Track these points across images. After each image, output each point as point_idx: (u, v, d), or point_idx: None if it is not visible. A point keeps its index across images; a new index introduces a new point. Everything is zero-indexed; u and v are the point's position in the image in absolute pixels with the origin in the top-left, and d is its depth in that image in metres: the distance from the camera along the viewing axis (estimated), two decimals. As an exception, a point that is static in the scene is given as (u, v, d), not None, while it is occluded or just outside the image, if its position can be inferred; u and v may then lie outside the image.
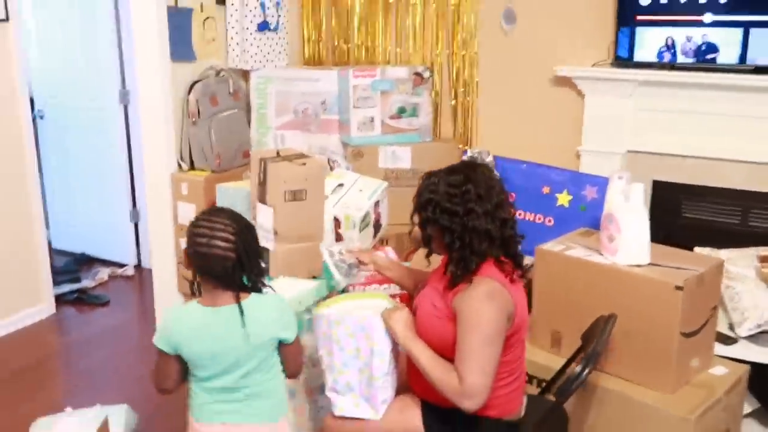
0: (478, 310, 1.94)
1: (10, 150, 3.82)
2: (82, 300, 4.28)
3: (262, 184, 2.58)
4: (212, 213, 1.95)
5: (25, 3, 4.65)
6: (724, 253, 2.96)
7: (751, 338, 2.81)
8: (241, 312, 1.87)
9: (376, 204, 2.98)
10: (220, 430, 1.97)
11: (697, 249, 2.93)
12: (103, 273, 4.60)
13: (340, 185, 2.99)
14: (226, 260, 1.84)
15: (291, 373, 2.06)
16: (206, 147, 3.30)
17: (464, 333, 1.94)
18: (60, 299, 4.23)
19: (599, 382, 2.42)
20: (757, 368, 2.67)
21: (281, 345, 1.97)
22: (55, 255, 4.88)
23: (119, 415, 2.84)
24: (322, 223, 2.66)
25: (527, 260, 2.25)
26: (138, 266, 4.75)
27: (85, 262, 4.81)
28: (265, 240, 2.64)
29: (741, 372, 2.51)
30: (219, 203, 2.99)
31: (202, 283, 1.94)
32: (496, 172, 2.12)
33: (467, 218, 1.98)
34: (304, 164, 2.58)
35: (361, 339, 2.12)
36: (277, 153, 2.68)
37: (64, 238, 5.02)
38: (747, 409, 2.69)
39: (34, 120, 4.81)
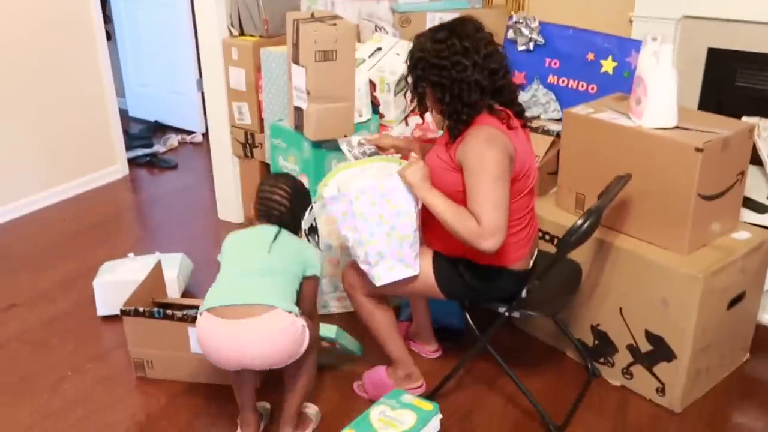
0: (481, 154, 2.02)
1: (80, 22, 4.02)
2: (153, 163, 4.58)
3: (296, 45, 2.67)
4: (281, 177, 2.32)
5: None
6: (772, 122, 2.88)
7: (787, 208, 2.76)
8: (277, 234, 2.17)
9: (413, 68, 3.01)
10: (207, 316, 2.06)
11: (744, 118, 2.85)
12: (174, 139, 4.87)
13: (378, 49, 3.04)
14: (275, 208, 2.21)
15: (305, 309, 2.16)
16: (254, 12, 3.38)
17: (472, 177, 2.02)
18: (133, 162, 4.54)
19: (614, 242, 2.47)
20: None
21: (303, 280, 2.17)
22: (131, 122, 5.21)
23: (174, 261, 3.12)
24: (353, 84, 2.73)
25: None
26: (206, 133, 4.98)
27: (158, 129, 5.10)
28: (299, 100, 2.76)
29: (765, 237, 2.50)
30: (263, 66, 3.11)
31: (258, 223, 2.25)
32: (485, 28, 2.12)
33: (455, 70, 2.04)
34: (335, 25, 2.63)
35: (384, 205, 2.16)
36: (312, 15, 2.74)
37: (140, 106, 5.32)
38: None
39: (106, -9, 5.02)
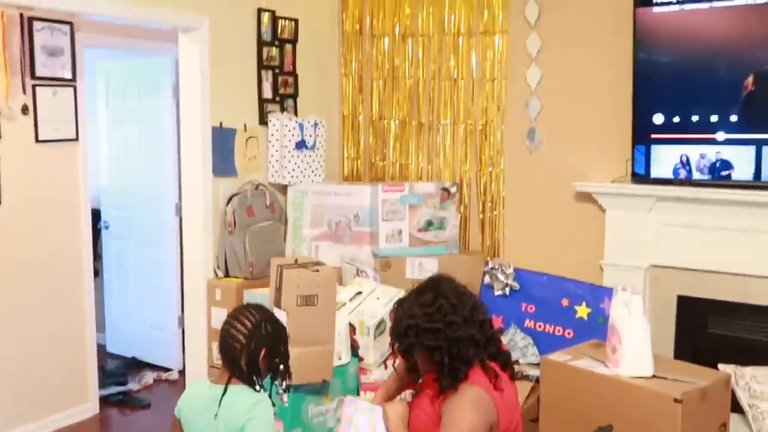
0: (461, 414, 2.00)
1: (70, 259, 4.13)
2: (125, 402, 4.44)
3: (278, 289, 2.74)
4: (253, 306, 2.18)
5: (101, 122, 5.14)
6: (748, 371, 2.91)
7: (776, 461, 2.70)
8: (223, 393, 2.03)
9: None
10: None
11: (720, 366, 2.88)
12: (149, 377, 4.78)
13: (359, 293, 3.12)
14: (232, 345, 2.06)
15: None
16: (240, 255, 3.50)
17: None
18: (105, 400, 4.40)
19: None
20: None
21: None
22: (108, 358, 5.13)
23: None
24: (333, 328, 2.77)
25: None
26: (183, 371, 4.91)
27: (134, 365, 5.02)
28: (278, 343, 2.77)
29: (756, 494, 2.42)
30: (245, 308, 3.15)
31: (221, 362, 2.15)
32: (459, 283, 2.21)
33: (449, 330, 2.06)
34: (317, 271, 2.73)
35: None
36: (295, 261, 2.84)
37: (118, 342, 5.27)
38: None
39: (99, 231, 5.21)
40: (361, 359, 3.00)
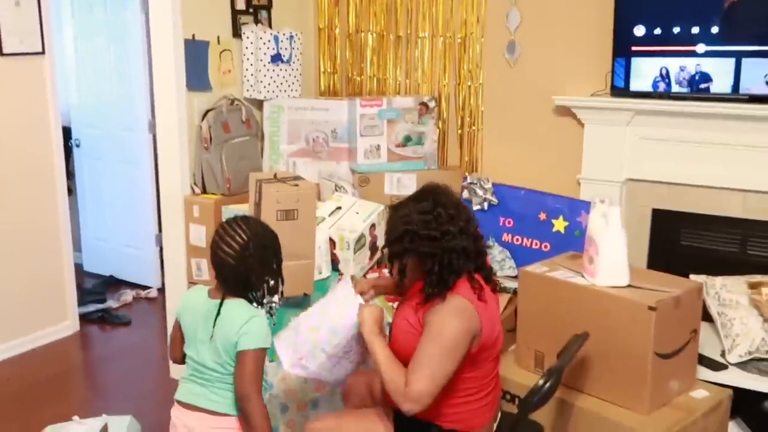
0: (443, 323, 2.03)
1: (42, 177, 4.07)
2: (105, 319, 4.48)
3: (258, 204, 2.72)
4: (243, 219, 2.10)
5: (66, 37, 4.97)
6: (719, 280, 2.98)
7: (741, 365, 2.81)
8: (218, 311, 2.02)
9: (372, 226, 3.09)
10: (186, 414, 2.10)
11: (692, 276, 2.95)
12: (128, 295, 4.80)
13: (338, 208, 3.12)
14: (224, 263, 2.03)
15: (237, 386, 2.02)
16: (217, 171, 3.46)
17: (424, 342, 2.03)
18: (85, 318, 4.43)
19: (575, 402, 2.46)
20: (746, 395, 2.67)
21: (237, 355, 2.01)
22: (86, 277, 5.13)
23: (121, 425, 2.97)
24: (313, 243, 2.77)
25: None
26: (162, 289, 4.93)
27: (112, 284, 5.03)
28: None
29: (723, 396, 2.52)
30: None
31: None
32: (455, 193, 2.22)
33: (445, 240, 2.08)
34: (297, 185, 2.71)
35: (336, 311, 2.22)
36: (274, 175, 2.82)
37: (95, 261, 5.26)
38: (734, 435, 2.69)
39: (70, 148, 5.11)
40: (341, 274, 3.02)
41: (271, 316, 2.15)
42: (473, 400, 2.14)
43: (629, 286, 2.47)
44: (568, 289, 2.53)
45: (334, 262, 3.02)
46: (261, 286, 2.09)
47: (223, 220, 2.16)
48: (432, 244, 2.08)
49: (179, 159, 3.49)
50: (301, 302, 2.86)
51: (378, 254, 3.20)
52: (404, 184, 3.65)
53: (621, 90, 3.28)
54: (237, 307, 2.06)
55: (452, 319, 2.03)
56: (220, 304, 2.05)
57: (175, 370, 3.74)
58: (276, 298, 2.14)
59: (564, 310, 2.54)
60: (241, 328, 2.01)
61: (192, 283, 3.56)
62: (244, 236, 2.04)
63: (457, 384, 2.11)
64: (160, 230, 4.88)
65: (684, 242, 3.36)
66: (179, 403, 2.16)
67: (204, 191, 3.54)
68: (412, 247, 2.11)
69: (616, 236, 2.46)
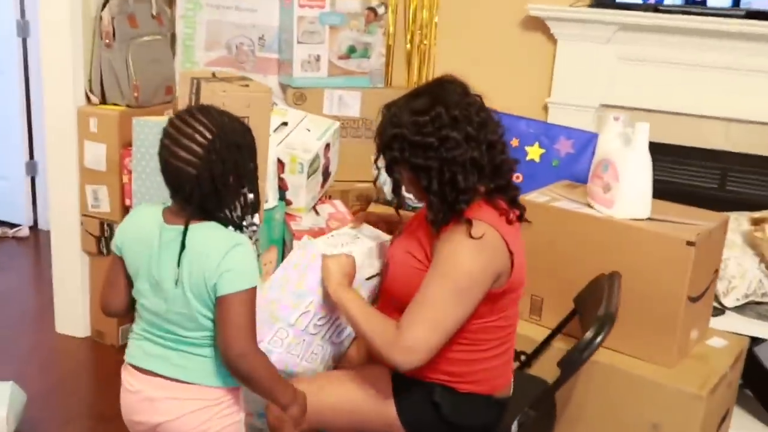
0: (457, 257, 1.57)
1: None
2: (-36, 263, 3.66)
3: (194, 110, 2.10)
4: (201, 110, 1.50)
5: None
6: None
7: (738, 309, 2.55)
8: (183, 242, 1.45)
9: (327, 147, 2.55)
10: (144, 382, 1.55)
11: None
12: (-8, 234, 3.98)
13: (284, 124, 2.54)
14: (182, 174, 1.45)
15: (224, 345, 1.46)
16: (122, 76, 2.77)
17: (430, 278, 1.58)
18: (-62, 261, 3.60)
19: (590, 354, 2.07)
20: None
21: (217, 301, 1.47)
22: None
23: (2, 394, 2.33)
24: (266, 161, 2.20)
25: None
26: (34, 227, 4.14)
27: (-29, 221, 4.17)
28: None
29: (742, 345, 2.23)
30: (136, 140, 2.48)
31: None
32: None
33: (444, 149, 1.58)
34: (247, 86, 2.12)
35: (298, 275, 1.76)
36: (213, 74, 2.20)
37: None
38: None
39: None
40: (288, 203, 2.47)
41: (255, 243, 1.59)
42: (497, 355, 1.70)
43: (650, 219, 2.09)
44: (580, 221, 2.12)
45: (282, 189, 2.45)
46: (236, 202, 1.52)
47: (182, 110, 1.54)
48: (426, 153, 1.59)
49: (71, 60, 2.76)
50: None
51: (330, 182, 2.66)
52: (347, 103, 3.11)
53: (604, 1, 2.89)
54: (210, 235, 1.48)
55: (469, 254, 1.56)
56: (185, 232, 1.46)
57: (63, 324, 3.07)
58: (257, 218, 1.59)
59: (572, 247, 2.14)
60: (221, 263, 1.44)
61: (87, 216, 2.88)
62: (206, 132, 1.45)
63: (475, 334, 1.65)
64: (31, 156, 4.08)
65: (659, 176, 3.04)
66: (133, 366, 1.58)
67: (103, 101, 2.84)
68: (401, 157, 1.61)
69: (642, 159, 2.07)
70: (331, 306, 1.76)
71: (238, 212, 1.52)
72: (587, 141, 2.74)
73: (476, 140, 1.61)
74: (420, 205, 1.87)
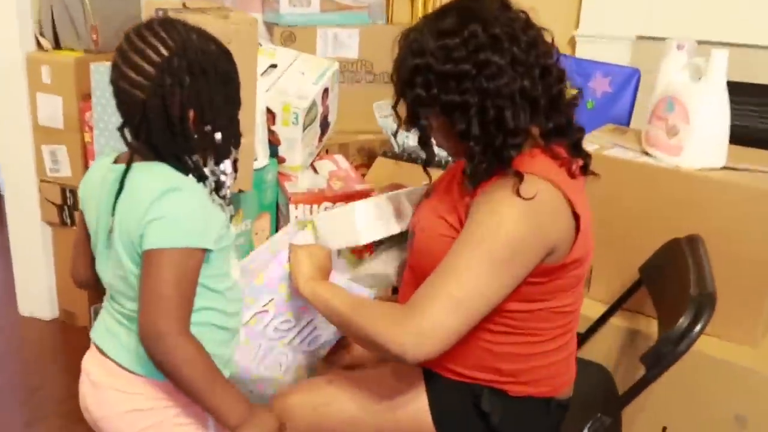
0: (498, 218, 1.17)
1: None
2: None
3: (161, 47, 1.68)
4: (163, 23, 1.15)
5: None
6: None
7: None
8: (121, 184, 1.14)
9: (325, 92, 2.13)
10: (96, 362, 1.25)
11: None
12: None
13: (273, 66, 2.12)
14: (129, 99, 1.13)
15: (140, 316, 1.11)
16: (77, 16, 2.34)
17: (459, 244, 1.19)
18: None
19: (641, 329, 1.73)
20: None
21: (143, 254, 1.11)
22: None
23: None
24: (254, 110, 1.80)
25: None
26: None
27: None
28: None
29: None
30: (95, 90, 2.07)
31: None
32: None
33: (484, 78, 1.18)
34: (226, 17, 1.70)
35: (261, 262, 1.44)
36: (183, 4, 1.78)
37: None
38: None
39: None
40: (281, 161, 2.07)
41: (222, 199, 1.21)
42: (554, 349, 1.33)
43: (725, 168, 1.71)
44: (641, 173, 1.75)
45: (273, 145, 2.05)
46: (201, 142, 1.16)
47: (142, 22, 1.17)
48: (461, 86, 1.19)
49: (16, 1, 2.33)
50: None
51: (329, 133, 2.25)
52: (343, 43, 2.70)
53: None
54: (148, 174, 1.15)
55: (515, 213, 1.17)
56: (125, 172, 1.15)
57: (27, 305, 2.70)
58: (228, 166, 1.20)
59: (629, 204, 1.77)
60: (149, 209, 1.10)
61: (45, 182, 2.48)
62: (162, 49, 1.11)
63: (529, 322, 1.28)
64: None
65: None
66: (93, 343, 1.27)
67: (57, 46, 2.41)
68: (429, 96, 1.21)
69: (719, 95, 1.68)
70: (297, 309, 1.40)
71: (209, 156, 1.18)
72: (627, 78, 2.38)
73: (525, 65, 1.20)
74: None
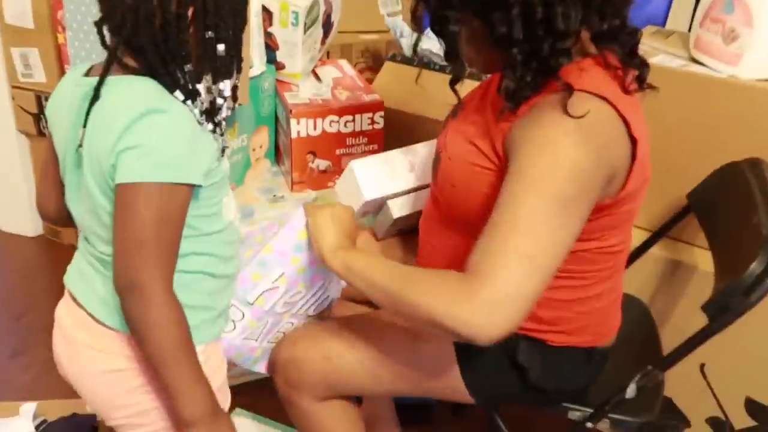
0: (554, 148, 0.96)
1: None
2: None
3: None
4: None
5: None
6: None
7: None
8: (95, 97, 0.95)
9: (328, -13, 1.88)
10: (70, 313, 1.08)
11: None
12: None
13: (268, -44, 1.85)
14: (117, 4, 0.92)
15: (115, 263, 0.93)
16: None
17: (516, 188, 0.96)
18: None
19: (698, 264, 1.56)
20: None
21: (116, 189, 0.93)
22: None
23: None
24: (246, 8, 1.55)
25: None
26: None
27: None
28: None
29: None
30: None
31: None
32: None
33: None
34: None
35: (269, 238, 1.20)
36: None
37: None
38: None
39: None
40: (280, 67, 1.84)
41: (216, 126, 1.01)
42: (599, 293, 1.16)
43: (789, 80, 1.50)
44: (690, 84, 1.54)
45: (271, 49, 1.81)
46: (198, 50, 0.96)
47: None
48: None
49: None
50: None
51: (332, 35, 2.01)
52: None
53: None
54: (127, 89, 0.95)
55: (572, 138, 0.95)
56: (98, 85, 0.95)
57: (7, 221, 2.55)
58: (227, 87, 1.00)
59: (676, 121, 1.56)
60: (123, 135, 0.91)
61: (18, 88, 2.25)
62: None
63: (573, 264, 1.10)
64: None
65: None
66: (67, 290, 1.11)
67: (20, -68, 2.12)
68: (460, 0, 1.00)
69: (789, -7, 1.45)
70: (311, 278, 1.20)
71: (204, 71, 0.97)
72: (665, -30, 2.11)
73: None
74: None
